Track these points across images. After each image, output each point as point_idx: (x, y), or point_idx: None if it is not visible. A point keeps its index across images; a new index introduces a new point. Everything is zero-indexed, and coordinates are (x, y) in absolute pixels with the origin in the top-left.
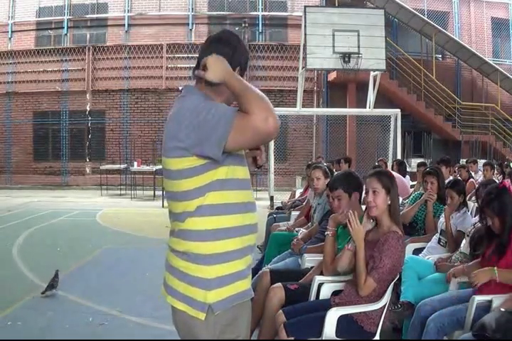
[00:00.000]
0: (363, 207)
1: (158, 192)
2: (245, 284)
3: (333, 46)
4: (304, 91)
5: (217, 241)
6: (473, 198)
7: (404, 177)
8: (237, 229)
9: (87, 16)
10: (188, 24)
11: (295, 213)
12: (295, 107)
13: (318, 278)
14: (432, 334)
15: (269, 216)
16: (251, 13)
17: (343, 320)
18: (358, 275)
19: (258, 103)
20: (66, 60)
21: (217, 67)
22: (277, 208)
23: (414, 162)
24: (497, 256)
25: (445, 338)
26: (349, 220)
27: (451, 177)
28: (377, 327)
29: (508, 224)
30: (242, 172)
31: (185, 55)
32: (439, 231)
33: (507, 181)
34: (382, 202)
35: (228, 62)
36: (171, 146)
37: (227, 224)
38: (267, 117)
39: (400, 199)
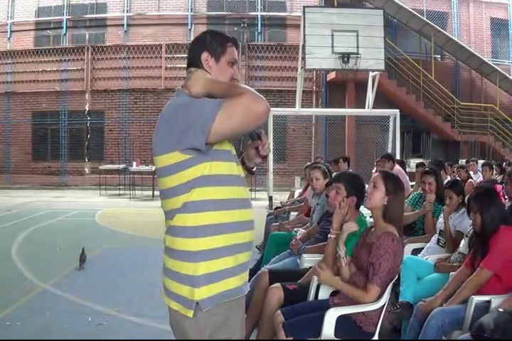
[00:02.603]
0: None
1: (157, 192)
2: (236, 281)
3: (332, 46)
4: (303, 91)
5: (204, 237)
6: None
7: None
8: (225, 225)
9: (86, 16)
10: (187, 24)
11: (294, 213)
12: (294, 107)
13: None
14: (432, 331)
15: (268, 216)
16: (250, 13)
17: (341, 320)
18: (354, 297)
19: (247, 90)
20: (65, 60)
21: (196, 84)
22: (276, 208)
23: (413, 162)
24: (480, 257)
25: (444, 338)
26: (315, 272)
27: (448, 178)
28: (376, 327)
29: (487, 224)
30: (228, 167)
31: (184, 55)
32: (437, 231)
33: (499, 186)
34: (377, 199)
35: (197, 53)
36: (156, 144)
37: (213, 220)
38: (258, 98)
39: None
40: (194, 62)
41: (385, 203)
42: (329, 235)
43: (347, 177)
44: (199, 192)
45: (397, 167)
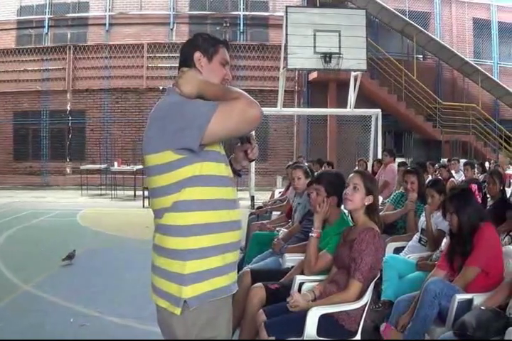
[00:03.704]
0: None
1: (139, 192)
2: (223, 281)
3: (314, 46)
4: (285, 91)
5: (193, 236)
6: None
7: None
8: (213, 225)
9: (68, 15)
10: (169, 24)
11: (276, 213)
12: (276, 107)
13: (299, 278)
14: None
15: (250, 216)
16: (232, 12)
17: (324, 320)
18: (337, 302)
19: (241, 94)
20: (47, 60)
21: (188, 84)
22: (258, 208)
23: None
24: (461, 255)
25: (427, 337)
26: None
27: (430, 177)
28: (359, 326)
29: (464, 224)
30: (218, 168)
31: (166, 55)
32: (419, 230)
33: (474, 185)
34: (359, 200)
35: (190, 53)
36: (147, 142)
37: (202, 220)
38: (252, 102)
39: (381, 199)
40: (186, 62)
41: (368, 202)
42: (311, 234)
43: (327, 177)
44: (189, 192)
45: (393, 164)
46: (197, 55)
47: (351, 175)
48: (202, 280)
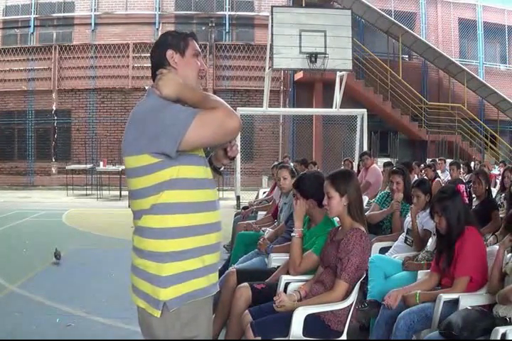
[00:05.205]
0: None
1: (124, 193)
2: (202, 282)
3: (300, 46)
4: (271, 91)
5: (171, 239)
6: None
7: None
8: (192, 228)
9: (54, 15)
10: (154, 23)
11: (262, 213)
12: (261, 107)
13: (285, 278)
14: (402, 331)
15: (235, 216)
16: (218, 12)
17: (310, 319)
18: (323, 302)
19: (220, 104)
20: (32, 59)
21: (168, 86)
22: (244, 208)
23: (380, 161)
24: (447, 259)
25: (414, 337)
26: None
27: (416, 177)
28: (344, 326)
29: (453, 227)
30: (197, 171)
31: None
32: (405, 230)
33: (462, 186)
34: (336, 205)
35: (162, 53)
36: (126, 144)
37: (181, 223)
38: (231, 113)
39: (366, 199)
40: (160, 63)
41: (346, 203)
42: (293, 234)
43: (303, 181)
44: (168, 195)
45: (375, 165)
46: (169, 52)
47: (324, 182)
48: (181, 282)
